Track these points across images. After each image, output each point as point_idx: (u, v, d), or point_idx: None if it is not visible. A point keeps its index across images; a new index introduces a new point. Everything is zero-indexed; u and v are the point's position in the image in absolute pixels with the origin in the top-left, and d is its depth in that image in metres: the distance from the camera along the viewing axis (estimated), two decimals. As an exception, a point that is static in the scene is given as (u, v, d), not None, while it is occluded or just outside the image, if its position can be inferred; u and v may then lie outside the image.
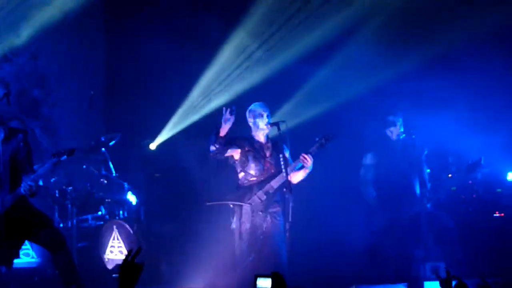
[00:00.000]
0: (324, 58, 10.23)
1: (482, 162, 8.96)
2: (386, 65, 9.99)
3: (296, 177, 7.93)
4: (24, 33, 10.36)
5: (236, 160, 8.01)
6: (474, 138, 9.38)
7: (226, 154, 7.92)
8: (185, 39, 10.98)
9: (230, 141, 7.90)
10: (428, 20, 9.99)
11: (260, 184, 7.88)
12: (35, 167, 7.74)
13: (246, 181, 7.96)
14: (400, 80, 9.93)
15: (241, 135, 8.07)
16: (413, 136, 8.82)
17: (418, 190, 8.87)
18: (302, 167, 7.86)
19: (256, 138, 8.07)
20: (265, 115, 7.98)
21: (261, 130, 8.01)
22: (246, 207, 7.80)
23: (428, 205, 8.76)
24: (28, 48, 10.66)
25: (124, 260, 3.92)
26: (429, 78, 9.80)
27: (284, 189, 7.67)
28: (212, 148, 7.74)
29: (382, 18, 10.00)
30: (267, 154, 8.02)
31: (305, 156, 7.74)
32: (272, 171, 7.94)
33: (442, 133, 9.45)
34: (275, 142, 8.07)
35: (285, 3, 10.35)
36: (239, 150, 7.98)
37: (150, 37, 11.20)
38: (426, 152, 8.95)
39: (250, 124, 8.08)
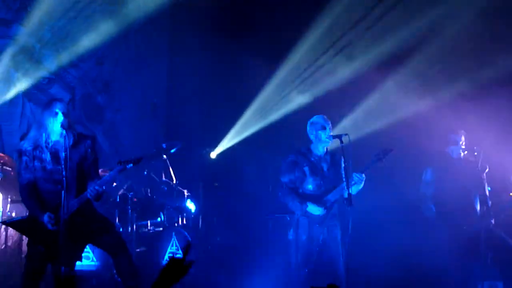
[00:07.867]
0: (386, 72, 10.21)
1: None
2: (449, 81, 9.92)
3: (353, 189, 7.89)
4: (91, 39, 10.53)
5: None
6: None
7: None
8: (248, 49, 11.06)
9: (292, 178, 8.01)
10: (497, 39, 9.88)
11: (318, 197, 7.90)
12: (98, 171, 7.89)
13: (304, 194, 7.98)
14: (463, 96, 9.86)
15: (297, 151, 8.10)
16: (475, 154, 8.72)
17: (478, 208, 8.78)
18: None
19: (315, 151, 8.08)
20: (327, 128, 7.99)
21: (323, 143, 8.01)
22: (303, 220, 7.82)
23: (488, 223, 8.65)
24: (94, 54, 10.85)
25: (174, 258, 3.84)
26: (492, 96, 9.68)
27: (344, 202, 7.68)
28: (280, 193, 8.03)
29: (447, 34, 9.92)
30: (325, 167, 8.04)
31: (357, 175, 7.71)
32: (330, 184, 7.93)
33: (504, 151, 9.34)
34: (334, 155, 8.10)
35: (349, 17, 10.35)
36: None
37: (212, 46, 11.31)
38: (487, 170, 8.85)
39: (311, 136, 8.08)
